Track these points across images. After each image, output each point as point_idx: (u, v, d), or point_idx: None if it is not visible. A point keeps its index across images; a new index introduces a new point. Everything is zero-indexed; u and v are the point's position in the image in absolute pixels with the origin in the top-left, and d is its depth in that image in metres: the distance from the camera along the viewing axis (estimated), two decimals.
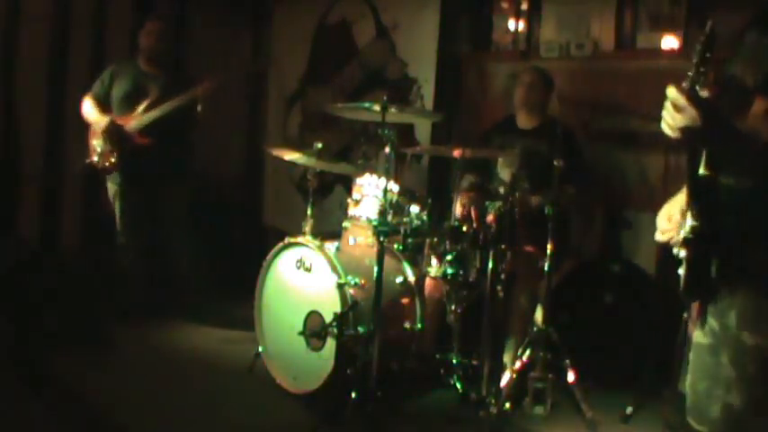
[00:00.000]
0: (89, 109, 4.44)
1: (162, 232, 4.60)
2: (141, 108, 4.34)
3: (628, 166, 4.21)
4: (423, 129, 4.97)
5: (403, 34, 5.18)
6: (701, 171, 1.67)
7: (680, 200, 1.84)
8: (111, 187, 4.49)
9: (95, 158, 4.39)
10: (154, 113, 4.32)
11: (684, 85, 1.59)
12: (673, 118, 1.60)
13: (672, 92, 1.59)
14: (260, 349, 3.62)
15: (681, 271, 1.75)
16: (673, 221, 1.84)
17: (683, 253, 1.74)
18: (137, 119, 4.34)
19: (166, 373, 3.71)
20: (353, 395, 3.07)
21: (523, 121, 4.01)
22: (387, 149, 3.28)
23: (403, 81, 5.15)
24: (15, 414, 3.09)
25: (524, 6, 4.78)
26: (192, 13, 5.80)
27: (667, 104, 1.60)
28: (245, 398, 3.45)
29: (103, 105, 4.42)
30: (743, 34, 1.65)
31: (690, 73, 1.59)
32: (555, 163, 3.37)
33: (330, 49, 5.71)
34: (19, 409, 3.16)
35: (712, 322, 1.75)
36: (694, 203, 1.70)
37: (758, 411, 1.69)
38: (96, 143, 4.38)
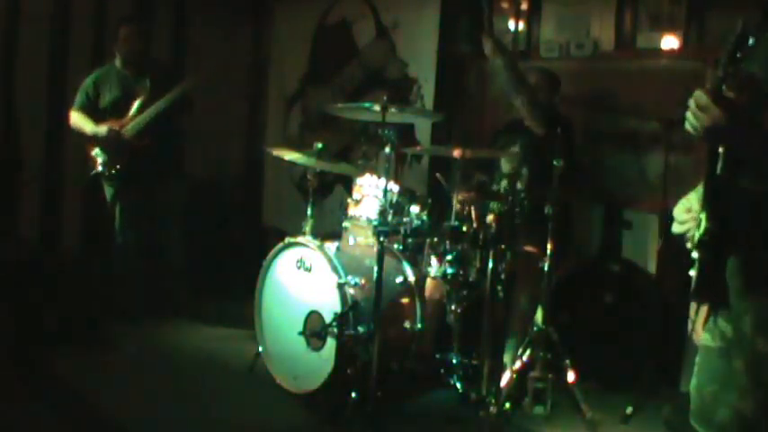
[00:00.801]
0: (80, 121, 4.42)
1: (158, 229, 4.61)
2: (133, 111, 4.34)
3: (628, 165, 4.21)
4: (423, 129, 4.96)
5: (403, 34, 5.17)
6: (719, 172, 1.64)
7: (699, 191, 1.78)
8: (109, 190, 4.49)
9: (100, 168, 4.39)
10: (147, 114, 4.33)
11: (708, 85, 1.57)
12: (696, 118, 1.57)
13: (696, 92, 1.57)
14: (260, 349, 3.61)
15: (692, 272, 1.72)
16: (692, 212, 1.79)
17: (695, 254, 1.70)
18: (131, 122, 4.34)
19: (166, 373, 3.71)
20: (353, 395, 3.08)
21: None
22: (387, 149, 3.28)
23: (403, 81, 5.14)
24: (15, 414, 3.09)
25: (524, 6, 4.77)
26: (192, 13, 5.80)
27: (691, 104, 1.58)
28: (245, 398, 3.44)
29: (92, 115, 4.41)
30: (760, 32, 1.58)
31: (719, 73, 1.56)
32: (555, 162, 3.37)
33: (330, 49, 5.70)
34: (19, 409, 3.16)
35: (724, 326, 1.72)
36: (710, 205, 1.66)
37: None
38: (97, 153, 4.38)
